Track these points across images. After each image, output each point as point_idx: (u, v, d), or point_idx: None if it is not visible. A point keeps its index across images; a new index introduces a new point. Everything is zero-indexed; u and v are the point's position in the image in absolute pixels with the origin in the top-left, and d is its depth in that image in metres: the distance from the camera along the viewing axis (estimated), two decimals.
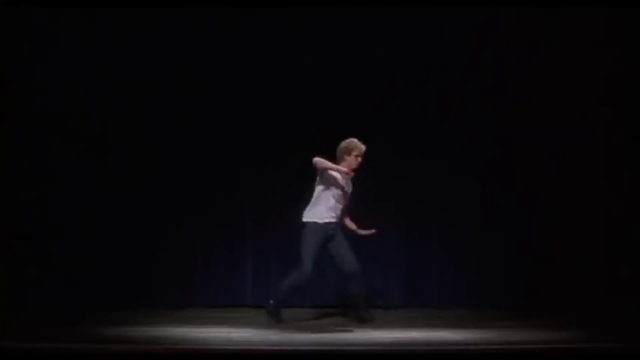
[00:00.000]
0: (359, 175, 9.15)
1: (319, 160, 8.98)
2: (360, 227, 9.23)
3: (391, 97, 10.52)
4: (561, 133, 10.18)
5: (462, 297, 10.53)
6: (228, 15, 10.31)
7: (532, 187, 10.35)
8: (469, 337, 8.45)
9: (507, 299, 10.36)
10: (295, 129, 10.49)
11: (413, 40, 10.48)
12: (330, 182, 9.05)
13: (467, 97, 10.44)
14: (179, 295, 10.56)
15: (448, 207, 10.68)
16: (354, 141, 9.11)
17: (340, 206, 9.10)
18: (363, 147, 9.07)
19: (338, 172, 9.00)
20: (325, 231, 9.03)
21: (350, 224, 9.25)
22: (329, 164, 8.99)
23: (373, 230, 9.19)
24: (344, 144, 9.12)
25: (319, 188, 9.10)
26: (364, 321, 9.20)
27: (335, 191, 9.07)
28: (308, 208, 9.10)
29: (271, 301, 9.18)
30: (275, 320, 9.12)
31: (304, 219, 9.08)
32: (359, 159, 9.09)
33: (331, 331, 8.90)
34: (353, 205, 9.24)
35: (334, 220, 9.08)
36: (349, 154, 9.08)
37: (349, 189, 9.15)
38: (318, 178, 9.10)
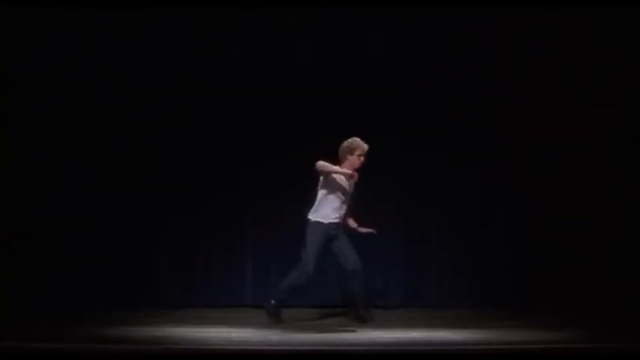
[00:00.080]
0: (358, 175, 9.16)
1: (322, 164, 8.98)
2: (360, 225, 9.23)
3: (391, 97, 10.52)
4: (561, 133, 10.18)
5: (462, 297, 10.53)
6: (228, 15, 10.31)
7: (532, 187, 10.35)
8: (469, 337, 8.45)
9: (507, 299, 10.36)
10: (295, 129, 10.49)
11: (413, 40, 10.48)
12: (333, 184, 9.05)
13: (467, 97, 10.44)
14: (179, 295, 10.57)
15: (448, 207, 10.68)
16: (356, 140, 9.11)
17: (344, 206, 9.12)
18: (365, 147, 9.08)
19: (342, 175, 8.99)
20: (329, 231, 9.04)
21: (351, 222, 9.25)
22: (332, 167, 8.99)
23: (373, 230, 9.18)
24: (346, 143, 9.12)
25: (322, 190, 9.10)
26: (364, 321, 9.19)
27: (339, 192, 9.08)
28: (313, 209, 9.10)
29: (272, 301, 9.17)
30: (276, 320, 9.12)
31: (309, 218, 9.08)
32: (362, 158, 9.09)
33: (331, 331, 8.90)
34: (353, 205, 9.24)
35: (337, 220, 9.09)
36: (352, 154, 9.09)
37: (351, 189, 9.15)
38: (321, 180, 9.10)
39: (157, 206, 10.48)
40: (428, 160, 10.53)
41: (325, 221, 9.04)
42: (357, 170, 9.08)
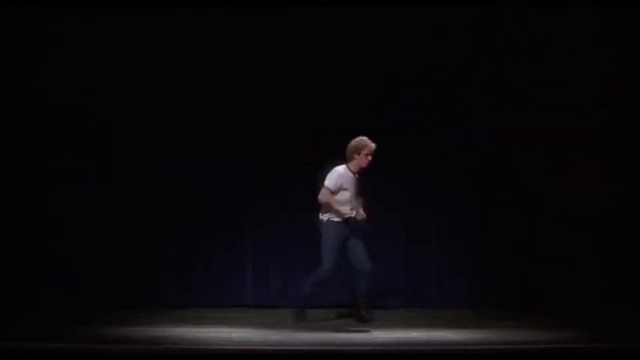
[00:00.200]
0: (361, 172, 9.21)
1: (322, 199, 9.09)
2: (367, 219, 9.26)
3: (391, 97, 10.52)
4: (561, 133, 10.18)
5: (462, 297, 10.53)
6: (228, 15, 10.31)
7: (532, 187, 10.35)
8: (469, 337, 8.45)
9: (507, 299, 10.36)
10: (295, 129, 10.49)
11: (413, 40, 10.48)
12: (341, 188, 9.11)
13: (467, 97, 10.44)
14: (179, 295, 10.56)
15: (448, 207, 10.69)
16: (364, 140, 9.14)
17: (352, 202, 9.17)
18: (373, 146, 9.12)
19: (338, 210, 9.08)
20: (342, 227, 9.09)
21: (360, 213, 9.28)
22: (331, 199, 9.08)
23: (369, 222, 9.20)
24: (353, 142, 9.15)
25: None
26: (364, 321, 9.20)
27: (344, 191, 9.14)
28: (323, 209, 9.13)
29: (297, 308, 9.24)
30: (302, 319, 9.14)
31: (321, 218, 9.13)
32: (369, 157, 9.14)
33: (331, 331, 8.90)
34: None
35: (348, 215, 9.14)
36: (359, 153, 9.13)
37: (356, 186, 9.18)
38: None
39: (157, 206, 10.48)
40: (428, 160, 10.53)
41: (337, 218, 9.08)
42: (364, 169, 9.14)
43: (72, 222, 10.32)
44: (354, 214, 9.20)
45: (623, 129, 10.06)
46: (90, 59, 10.34)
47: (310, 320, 9.26)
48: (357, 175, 9.21)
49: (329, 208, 9.11)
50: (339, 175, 9.13)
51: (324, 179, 9.17)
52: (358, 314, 9.29)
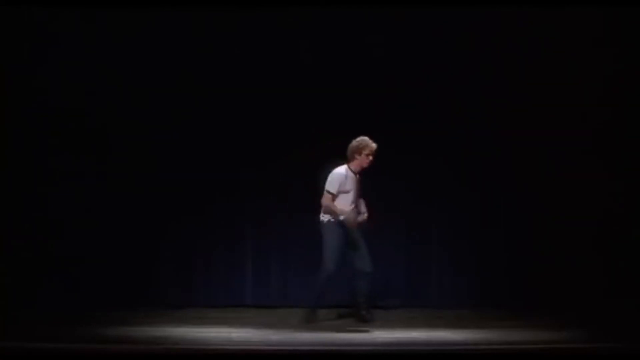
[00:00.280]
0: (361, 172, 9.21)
1: (325, 204, 9.10)
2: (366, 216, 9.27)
3: (391, 97, 10.52)
4: (561, 133, 10.18)
5: (462, 297, 10.53)
6: (228, 15, 10.31)
7: (532, 187, 10.35)
8: (469, 337, 8.45)
9: (507, 299, 10.36)
10: (295, 129, 10.49)
11: (413, 40, 10.48)
12: (342, 188, 9.11)
13: (467, 97, 10.44)
14: (179, 295, 10.56)
15: (448, 207, 10.69)
16: (365, 140, 9.15)
17: (352, 203, 9.18)
18: (374, 146, 9.13)
19: (340, 213, 9.08)
20: (343, 228, 9.10)
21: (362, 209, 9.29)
22: (331, 206, 9.07)
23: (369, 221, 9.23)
24: (355, 142, 9.16)
25: None
26: (364, 321, 9.21)
27: (345, 193, 9.14)
28: (323, 210, 9.14)
29: (308, 309, 9.25)
30: (313, 319, 9.16)
31: (322, 219, 9.12)
32: (370, 157, 9.14)
33: (331, 331, 8.90)
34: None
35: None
36: (360, 153, 9.13)
37: (356, 187, 9.18)
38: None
39: (157, 206, 10.48)
40: (428, 160, 10.53)
41: (338, 218, 9.07)
42: (365, 169, 9.15)
43: (72, 222, 10.32)
44: (355, 213, 9.20)
45: (623, 129, 10.06)
46: (90, 59, 10.34)
47: (316, 320, 9.26)
48: (358, 176, 9.22)
49: (330, 210, 9.11)
50: (339, 177, 9.13)
51: (325, 180, 9.16)
52: (358, 314, 9.30)
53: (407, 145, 10.41)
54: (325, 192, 9.12)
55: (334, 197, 9.11)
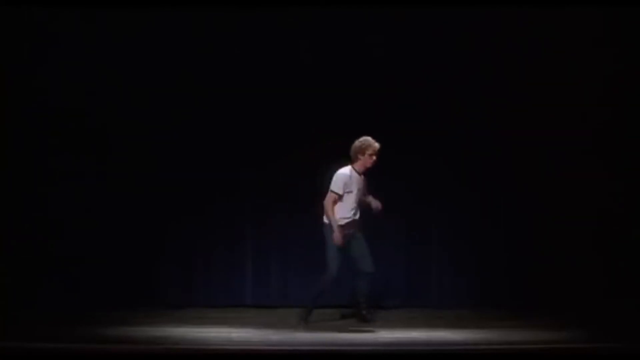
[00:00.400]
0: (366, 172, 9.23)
1: (325, 207, 9.09)
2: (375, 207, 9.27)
3: (391, 97, 10.52)
4: (561, 133, 10.18)
5: (462, 297, 10.53)
6: (228, 15, 10.31)
7: (532, 187, 10.35)
8: (469, 337, 8.46)
9: (507, 299, 10.36)
10: (295, 129, 10.49)
11: (413, 40, 10.48)
12: (346, 189, 9.12)
13: (467, 97, 10.44)
14: (179, 295, 10.56)
15: (448, 207, 10.68)
16: (368, 140, 9.15)
17: (356, 205, 9.18)
18: (377, 146, 9.13)
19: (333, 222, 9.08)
20: (347, 230, 9.10)
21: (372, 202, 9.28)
22: (328, 211, 9.06)
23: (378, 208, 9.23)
24: (357, 143, 9.16)
25: None
26: (365, 321, 9.21)
27: (349, 194, 9.13)
28: (325, 210, 9.15)
29: (305, 309, 9.24)
30: (306, 322, 9.16)
31: (325, 221, 9.14)
32: (374, 157, 9.15)
33: (331, 331, 8.91)
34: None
35: (351, 219, 9.15)
36: (363, 154, 9.14)
37: (361, 188, 9.20)
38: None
39: (157, 206, 10.48)
40: (428, 160, 10.53)
41: (341, 222, 9.10)
42: (369, 169, 9.16)
43: (72, 222, 10.32)
44: (357, 216, 9.20)
45: (623, 129, 10.06)
46: (90, 59, 10.34)
47: (312, 320, 9.26)
48: (362, 176, 9.22)
49: (327, 213, 9.10)
50: (344, 177, 9.13)
51: (330, 181, 9.17)
52: (359, 314, 9.29)
53: (407, 145, 10.41)
54: (329, 192, 9.12)
55: (339, 197, 9.10)
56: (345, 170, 9.17)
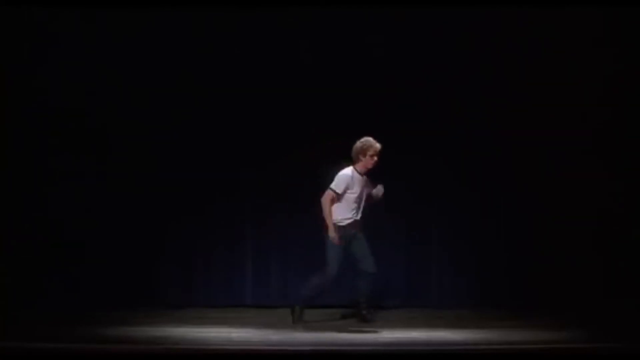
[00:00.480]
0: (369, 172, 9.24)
1: (323, 203, 9.10)
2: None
3: (391, 97, 10.52)
4: (561, 133, 10.18)
5: (462, 297, 10.53)
6: (228, 15, 10.31)
7: (532, 187, 10.35)
8: (469, 337, 8.45)
9: (507, 299, 10.36)
10: (295, 129, 10.49)
11: (413, 40, 10.48)
12: (348, 190, 9.13)
13: (467, 97, 10.44)
14: (179, 295, 10.56)
15: (448, 207, 10.68)
16: (368, 141, 9.16)
17: (359, 206, 9.20)
18: (378, 146, 9.15)
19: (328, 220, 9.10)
20: (347, 231, 9.11)
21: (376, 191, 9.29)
22: (326, 210, 9.08)
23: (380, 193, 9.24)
24: (358, 144, 9.17)
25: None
26: (365, 321, 9.21)
27: (351, 194, 9.15)
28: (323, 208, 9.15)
29: (296, 306, 9.24)
30: (300, 321, 9.16)
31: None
32: (375, 158, 9.16)
33: (332, 331, 8.91)
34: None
35: (353, 219, 9.16)
36: (364, 154, 9.15)
37: (364, 188, 9.20)
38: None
39: (157, 206, 10.48)
40: (428, 160, 10.53)
41: (343, 223, 9.11)
42: (370, 170, 9.17)
43: (72, 222, 10.32)
44: (359, 217, 9.20)
45: (623, 129, 10.06)
46: (90, 59, 10.34)
47: (310, 320, 9.26)
48: (365, 176, 9.22)
49: (324, 210, 9.10)
50: (346, 178, 9.14)
51: (332, 180, 9.18)
52: (359, 313, 9.30)
53: (407, 145, 10.40)
54: (328, 189, 9.12)
55: (337, 196, 9.11)
56: (347, 171, 9.18)
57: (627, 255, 9.96)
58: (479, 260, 10.59)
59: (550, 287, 10.14)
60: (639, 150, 10.02)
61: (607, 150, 10.11)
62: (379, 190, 9.25)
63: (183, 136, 10.55)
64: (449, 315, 9.96)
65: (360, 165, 9.18)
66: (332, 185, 9.13)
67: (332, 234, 9.05)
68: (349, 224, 9.14)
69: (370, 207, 9.35)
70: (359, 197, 9.18)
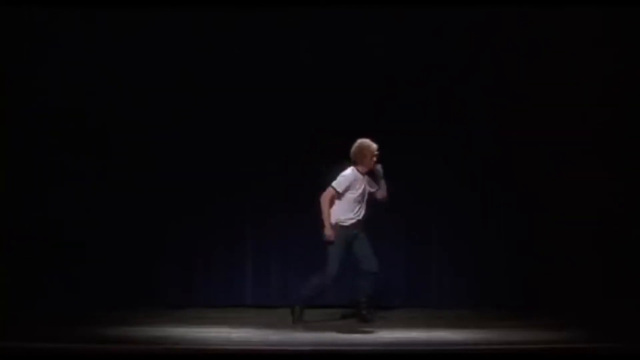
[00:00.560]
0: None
1: (323, 199, 9.12)
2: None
3: (391, 97, 10.52)
4: (561, 133, 10.18)
5: (462, 297, 10.53)
6: (228, 15, 10.31)
7: (532, 187, 10.35)
8: (469, 337, 8.45)
9: (507, 299, 10.36)
10: (295, 129, 10.49)
11: (413, 40, 10.48)
12: (350, 190, 9.14)
13: (467, 97, 10.44)
14: (179, 295, 10.57)
15: (448, 207, 10.68)
16: (364, 143, 9.19)
17: (361, 205, 9.21)
18: (374, 147, 9.19)
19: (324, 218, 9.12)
20: (349, 231, 9.12)
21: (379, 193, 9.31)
22: (324, 209, 9.09)
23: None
24: (356, 147, 9.21)
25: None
26: (365, 321, 9.21)
27: (353, 194, 9.16)
28: (331, 212, 9.16)
29: (296, 305, 9.23)
30: (300, 320, 9.15)
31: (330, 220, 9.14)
32: (373, 159, 9.18)
33: (331, 331, 8.90)
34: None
35: (356, 219, 9.17)
36: (363, 156, 9.22)
37: (366, 188, 9.21)
38: None
39: (157, 206, 10.48)
40: (428, 160, 10.53)
41: (345, 223, 9.13)
42: (371, 169, 9.20)
43: (72, 222, 10.32)
44: (361, 216, 9.20)
45: (623, 129, 10.06)
46: (90, 59, 10.34)
47: (310, 320, 9.26)
48: (366, 176, 9.25)
49: (322, 207, 9.09)
50: (347, 178, 9.16)
51: (333, 179, 9.19)
52: (359, 314, 9.30)
53: (407, 145, 10.41)
54: (329, 187, 9.12)
55: (338, 195, 9.11)
56: (349, 171, 9.21)
57: (627, 255, 9.96)
58: (479, 260, 10.59)
59: (550, 287, 10.14)
60: (639, 150, 10.02)
61: (607, 150, 10.11)
62: (381, 185, 9.26)
63: (183, 136, 10.55)
64: (449, 315, 9.96)
65: (360, 167, 9.20)
66: (334, 183, 9.15)
67: (327, 232, 9.06)
68: (351, 224, 9.15)
69: (372, 207, 9.36)
70: (361, 197, 9.20)
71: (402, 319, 9.76)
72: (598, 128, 10.14)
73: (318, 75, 10.53)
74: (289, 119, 10.53)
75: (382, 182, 9.30)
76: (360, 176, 9.21)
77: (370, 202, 9.30)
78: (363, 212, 9.23)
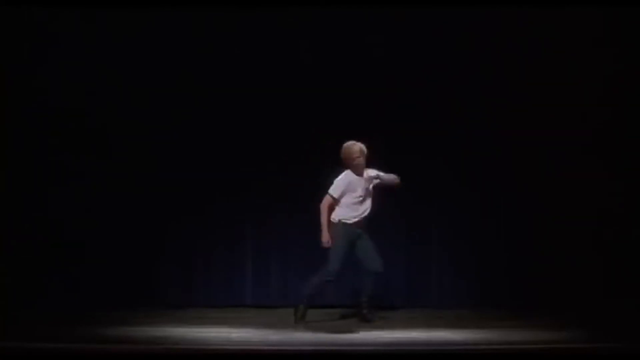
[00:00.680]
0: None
1: (322, 206, 9.18)
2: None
3: (391, 97, 10.52)
4: (561, 133, 10.18)
5: (462, 297, 10.53)
6: (228, 15, 10.31)
7: (532, 187, 10.35)
8: (469, 337, 8.45)
9: (507, 299, 10.36)
10: (295, 129, 10.50)
11: (413, 40, 10.48)
12: (348, 192, 9.15)
13: (467, 97, 10.44)
14: (179, 295, 10.56)
15: (448, 207, 10.68)
16: (347, 146, 9.24)
17: (363, 205, 9.25)
18: (357, 148, 9.20)
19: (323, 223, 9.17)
20: (353, 230, 9.15)
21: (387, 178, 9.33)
22: (323, 217, 9.14)
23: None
24: (343, 151, 9.23)
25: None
26: (366, 321, 9.23)
27: (355, 194, 9.19)
28: (334, 212, 9.20)
29: (300, 305, 9.24)
30: (302, 320, 9.16)
31: (332, 218, 9.18)
32: (361, 159, 9.20)
33: (332, 331, 8.90)
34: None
35: (359, 218, 9.20)
36: (351, 159, 9.22)
37: (367, 187, 9.24)
38: None
39: (157, 206, 10.48)
40: (428, 160, 10.53)
41: (348, 221, 9.16)
42: (365, 169, 9.22)
43: (72, 222, 10.32)
44: (365, 215, 9.23)
45: (623, 129, 10.06)
46: (90, 59, 10.34)
47: (311, 320, 9.26)
48: (362, 176, 9.25)
49: (322, 214, 9.13)
50: (343, 181, 9.20)
51: (332, 182, 9.22)
52: (360, 313, 9.30)
53: (407, 145, 10.41)
54: (326, 195, 9.15)
55: (335, 200, 9.13)
56: (344, 175, 9.25)
57: (627, 255, 9.96)
58: (479, 260, 10.59)
59: (550, 287, 10.13)
60: (639, 150, 10.02)
61: (607, 150, 10.11)
62: (389, 176, 9.27)
63: (183, 136, 10.55)
64: (449, 315, 9.96)
65: (353, 169, 9.21)
66: (330, 190, 9.19)
67: (324, 238, 9.09)
68: (355, 222, 9.17)
69: (374, 205, 9.36)
70: (362, 197, 9.21)
71: (402, 319, 9.76)
72: (598, 128, 10.13)
73: (318, 75, 10.53)
74: (289, 119, 10.53)
75: (383, 176, 9.30)
76: (356, 178, 9.21)
77: (388, 190, 9.32)
78: (368, 210, 9.25)
